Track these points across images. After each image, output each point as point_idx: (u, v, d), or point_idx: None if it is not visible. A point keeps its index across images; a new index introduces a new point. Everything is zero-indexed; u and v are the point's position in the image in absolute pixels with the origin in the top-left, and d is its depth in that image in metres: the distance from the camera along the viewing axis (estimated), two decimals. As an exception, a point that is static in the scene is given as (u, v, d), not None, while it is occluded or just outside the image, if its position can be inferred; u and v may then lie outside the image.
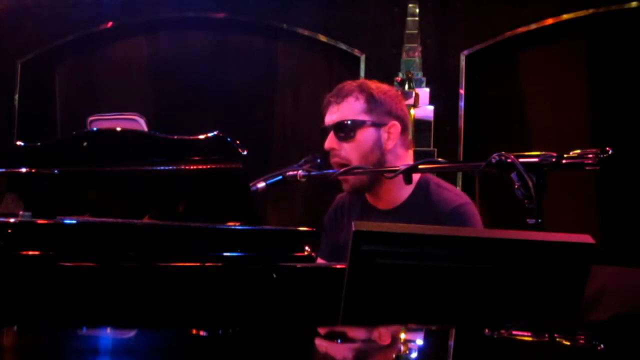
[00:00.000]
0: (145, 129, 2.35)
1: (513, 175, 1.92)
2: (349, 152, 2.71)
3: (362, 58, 4.81)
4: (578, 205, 4.41)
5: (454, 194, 2.74)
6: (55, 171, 2.13)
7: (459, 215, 2.63)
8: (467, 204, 2.69)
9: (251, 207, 2.08)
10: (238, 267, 1.88)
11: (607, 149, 1.87)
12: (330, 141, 2.73)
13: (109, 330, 1.34)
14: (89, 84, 5.40)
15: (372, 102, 2.73)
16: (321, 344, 1.31)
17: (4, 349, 1.16)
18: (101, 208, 2.11)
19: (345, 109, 2.74)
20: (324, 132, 2.77)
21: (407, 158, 2.80)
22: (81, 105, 5.10)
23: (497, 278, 1.63)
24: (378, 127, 2.72)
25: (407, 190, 2.72)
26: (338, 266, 1.93)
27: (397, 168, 2.35)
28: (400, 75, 4.48)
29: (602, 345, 1.40)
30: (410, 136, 2.85)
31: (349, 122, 2.72)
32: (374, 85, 2.79)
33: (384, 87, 2.81)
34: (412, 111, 4.37)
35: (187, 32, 5.25)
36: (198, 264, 1.83)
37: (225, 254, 1.86)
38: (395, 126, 2.75)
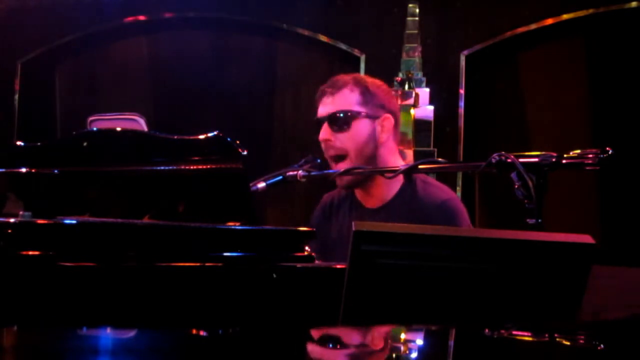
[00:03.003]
0: (145, 129, 2.35)
1: (513, 175, 1.92)
2: (344, 142, 2.71)
3: (362, 58, 4.81)
4: (578, 205, 4.41)
5: (440, 189, 2.76)
6: (55, 171, 2.13)
7: (445, 210, 2.66)
8: (452, 200, 2.72)
9: (251, 207, 2.08)
10: (238, 267, 1.88)
11: (607, 149, 1.87)
12: (325, 132, 2.73)
13: (109, 330, 1.34)
14: (89, 84, 5.40)
15: (367, 95, 2.75)
16: (319, 344, 1.31)
17: (4, 349, 1.16)
18: (101, 208, 2.11)
19: (340, 100, 2.74)
20: (318, 123, 2.77)
21: (397, 152, 2.85)
22: (81, 105, 5.10)
23: (497, 278, 1.63)
24: (372, 119, 2.75)
25: (394, 187, 2.74)
26: (338, 266, 1.92)
27: (397, 168, 2.36)
28: (400, 75, 4.48)
29: (602, 345, 1.40)
30: (405, 134, 2.90)
31: (344, 113, 2.72)
32: (368, 79, 2.84)
33: (377, 81, 2.85)
34: (412, 111, 4.37)
35: (187, 32, 5.25)
36: (198, 264, 1.83)
37: (225, 254, 1.86)
38: (389, 119, 2.77)
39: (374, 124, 2.75)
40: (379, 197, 2.76)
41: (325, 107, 2.76)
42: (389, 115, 2.77)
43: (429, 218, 2.61)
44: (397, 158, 2.83)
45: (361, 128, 2.73)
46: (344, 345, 1.31)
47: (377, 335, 1.40)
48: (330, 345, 1.30)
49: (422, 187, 2.72)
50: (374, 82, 2.82)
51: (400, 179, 2.71)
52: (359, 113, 2.73)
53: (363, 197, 2.80)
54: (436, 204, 2.67)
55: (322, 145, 2.74)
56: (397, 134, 2.85)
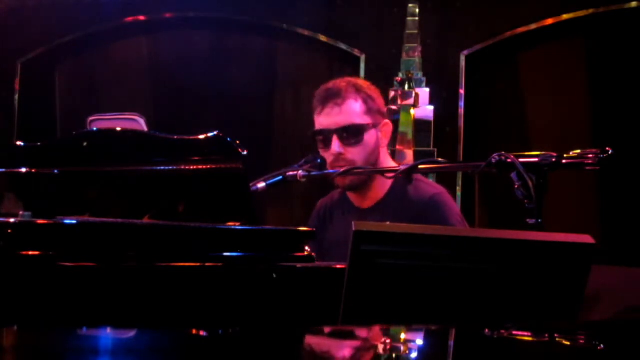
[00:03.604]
0: (145, 129, 2.35)
1: (513, 175, 1.92)
2: (355, 155, 2.70)
3: (362, 58, 4.81)
4: (578, 205, 4.41)
5: (429, 185, 2.79)
6: (55, 171, 2.13)
7: (435, 204, 2.67)
8: (442, 194, 2.74)
9: (251, 207, 2.08)
10: (238, 267, 1.88)
11: (607, 149, 1.87)
12: (337, 146, 2.70)
13: (109, 330, 1.34)
14: (89, 84, 5.40)
15: (368, 103, 2.76)
16: (319, 344, 1.31)
17: (4, 349, 1.16)
18: (101, 208, 2.11)
19: (348, 112, 2.72)
20: (320, 133, 2.74)
21: (388, 152, 2.90)
22: (81, 105, 5.11)
23: (498, 278, 1.63)
24: (376, 127, 2.76)
25: (386, 186, 2.76)
26: (338, 266, 1.93)
27: (397, 168, 2.36)
28: (400, 75, 4.48)
29: (602, 345, 1.40)
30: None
31: (355, 127, 2.71)
32: (364, 84, 2.83)
33: (369, 83, 2.85)
34: (412, 111, 4.37)
35: (187, 32, 5.25)
36: (198, 264, 1.83)
37: (225, 254, 1.86)
38: (388, 125, 2.80)
39: (377, 132, 2.76)
40: (372, 197, 2.78)
41: (331, 118, 2.73)
42: (388, 121, 2.81)
43: (420, 213, 2.63)
44: (389, 158, 2.87)
45: (370, 139, 2.74)
46: (343, 344, 1.31)
47: (376, 334, 1.40)
48: (330, 344, 1.30)
49: (413, 184, 2.74)
50: (370, 87, 2.81)
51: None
52: (367, 125, 2.73)
53: (356, 198, 2.82)
54: (425, 199, 2.69)
55: (331, 158, 2.70)
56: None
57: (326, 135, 2.72)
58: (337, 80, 2.81)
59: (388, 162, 2.83)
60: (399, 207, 2.70)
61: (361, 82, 2.87)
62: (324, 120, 2.74)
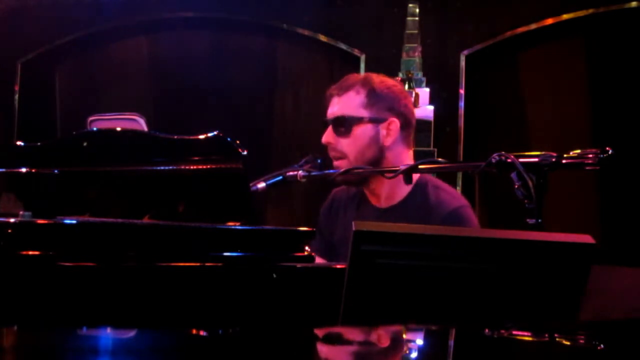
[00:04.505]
0: (145, 129, 2.36)
1: (513, 175, 1.92)
2: (345, 147, 2.69)
3: (362, 58, 4.81)
4: (578, 205, 4.41)
5: (451, 196, 2.70)
6: (55, 171, 2.13)
7: (455, 218, 2.60)
8: (463, 207, 2.66)
9: (251, 207, 2.08)
10: (238, 267, 1.88)
11: (607, 149, 1.87)
12: (327, 135, 2.71)
13: (109, 330, 1.34)
14: (89, 84, 5.41)
15: (373, 97, 2.68)
16: (321, 344, 1.31)
17: (4, 349, 1.16)
18: (101, 208, 2.11)
19: (345, 103, 2.71)
20: (325, 125, 2.75)
21: (407, 155, 2.77)
22: (81, 105, 5.11)
23: (497, 278, 1.63)
24: (376, 123, 2.68)
25: (404, 190, 2.69)
26: (338, 266, 1.93)
27: (397, 168, 2.35)
28: (400, 75, 4.48)
29: (602, 345, 1.40)
30: (412, 134, 2.81)
31: (346, 117, 2.69)
32: (378, 79, 2.74)
33: (389, 82, 2.76)
34: (412, 111, 4.37)
35: (187, 32, 5.26)
36: (198, 264, 1.83)
37: (225, 254, 1.86)
38: (395, 123, 2.70)
39: (377, 128, 2.68)
40: (387, 198, 2.73)
41: (332, 109, 2.73)
42: (395, 118, 2.69)
43: (439, 224, 2.57)
44: (407, 161, 2.72)
45: (362, 134, 2.68)
46: (347, 345, 1.31)
47: (382, 335, 1.40)
48: (333, 345, 1.30)
49: (434, 192, 2.66)
50: (384, 83, 2.73)
51: (411, 183, 2.62)
52: (361, 118, 2.67)
53: (371, 196, 2.77)
54: (447, 211, 2.62)
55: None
56: (409, 136, 2.75)
57: (325, 125, 2.73)
58: (355, 74, 2.79)
59: (405, 163, 2.71)
60: (418, 214, 2.64)
61: (377, 77, 2.76)
62: (329, 110, 2.75)
